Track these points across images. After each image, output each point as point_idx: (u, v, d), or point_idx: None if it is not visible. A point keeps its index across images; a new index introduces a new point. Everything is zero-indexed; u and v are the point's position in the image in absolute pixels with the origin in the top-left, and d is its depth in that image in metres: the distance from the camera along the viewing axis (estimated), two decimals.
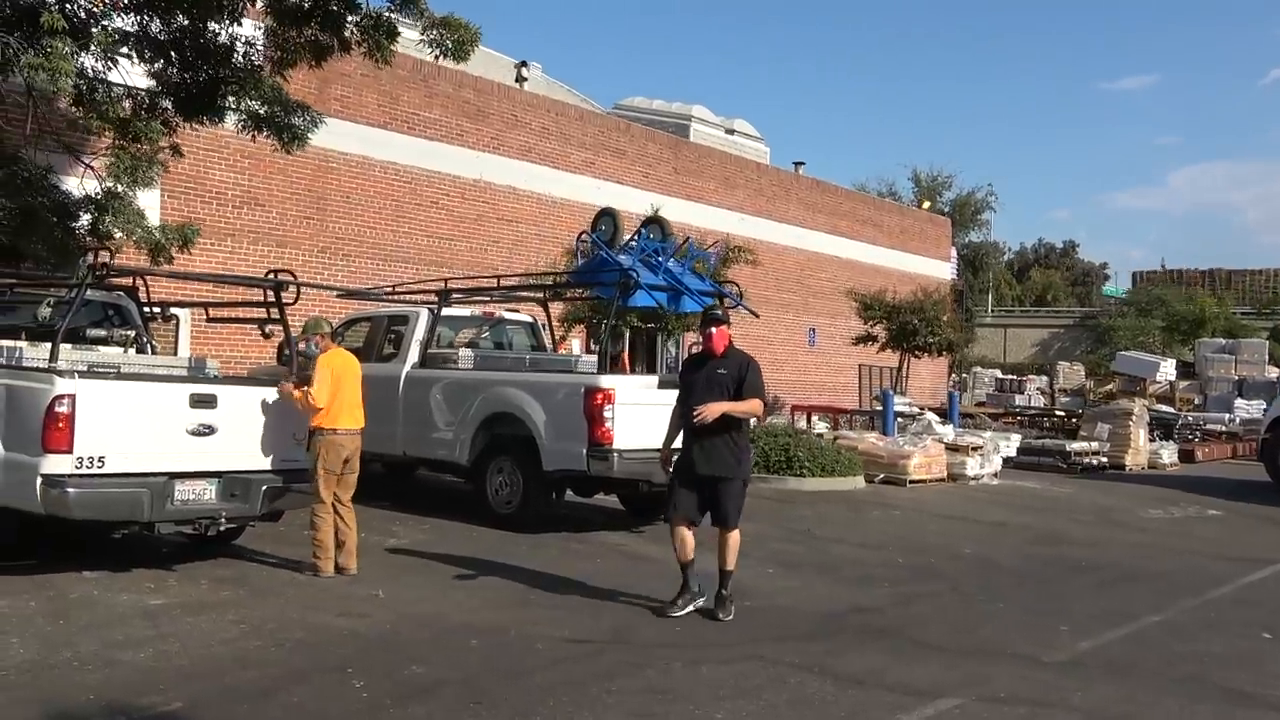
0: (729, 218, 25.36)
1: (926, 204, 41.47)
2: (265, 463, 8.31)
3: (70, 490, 7.23)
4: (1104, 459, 19.89)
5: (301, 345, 8.78)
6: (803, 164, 29.38)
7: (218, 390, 8.13)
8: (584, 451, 10.04)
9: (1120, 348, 44.34)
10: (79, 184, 10.58)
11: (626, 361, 16.88)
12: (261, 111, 9.86)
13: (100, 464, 7.42)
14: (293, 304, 8.73)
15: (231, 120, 10.16)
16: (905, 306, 23.43)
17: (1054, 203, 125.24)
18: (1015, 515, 13.40)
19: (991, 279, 61.65)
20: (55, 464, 7.26)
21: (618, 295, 10.74)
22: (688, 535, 7.21)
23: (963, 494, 15.47)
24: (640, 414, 9.97)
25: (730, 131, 28.81)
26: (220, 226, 16.13)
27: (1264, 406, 25.60)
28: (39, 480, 7.22)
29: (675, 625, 7.05)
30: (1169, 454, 21.71)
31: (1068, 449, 19.42)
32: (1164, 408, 27.48)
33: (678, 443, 7.46)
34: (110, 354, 9.29)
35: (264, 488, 8.19)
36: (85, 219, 10.28)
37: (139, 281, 9.76)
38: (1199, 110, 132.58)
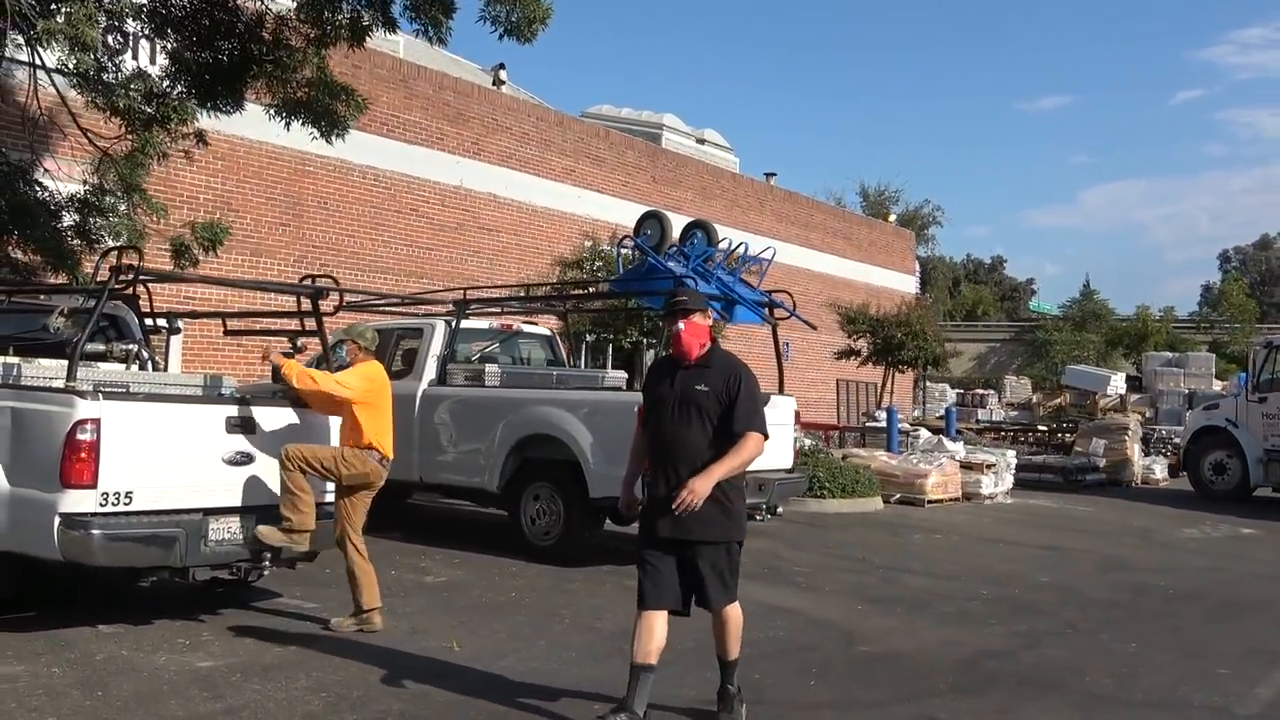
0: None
1: (892, 217, 41.20)
2: None
3: (95, 533, 6.11)
4: (1103, 475, 19.49)
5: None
6: (774, 175, 28.75)
7: (256, 412, 7.05)
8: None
9: (1057, 361, 44.52)
10: (74, 178, 9.36)
11: None
12: (299, 96, 8.78)
13: (128, 500, 6.31)
14: (333, 314, 7.67)
15: (254, 106, 9.04)
16: (890, 320, 22.88)
17: (975, 219, 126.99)
18: (1060, 538, 12.74)
19: (935, 294, 61.81)
20: (76, 501, 6.13)
21: None
22: (655, 627, 4.93)
23: (987, 514, 14.81)
24: None
25: (701, 141, 28.07)
26: None
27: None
28: (56, 521, 6.11)
29: (809, 680, 6.16)
30: (1160, 469, 21.39)
31: (1072, 465, 18.96)
32: None
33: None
34: (111, 371, 8.14)
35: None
36: (69, 219, 9.08)
37: (139, 288, 8.61)
38: (1111, 130, 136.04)
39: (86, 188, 9.37)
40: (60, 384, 6.45)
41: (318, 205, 16.81)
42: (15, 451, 6.35)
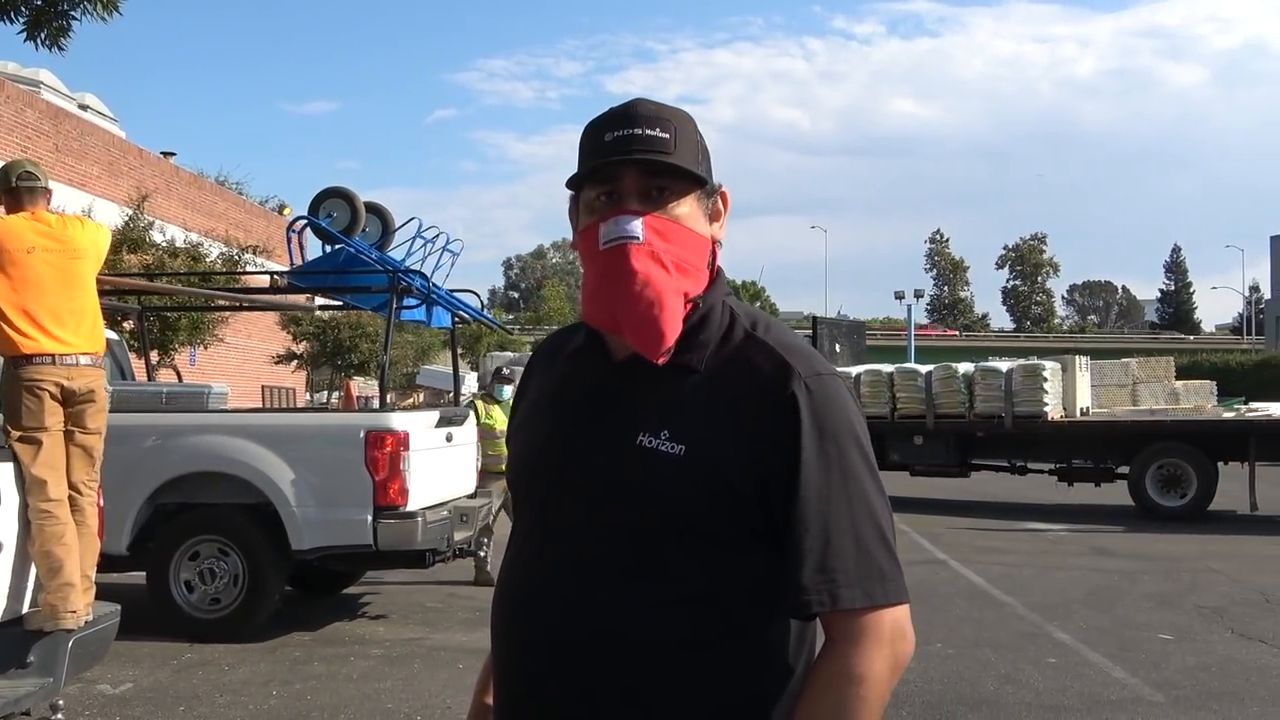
0: (113, 212, 20.82)
1: (288, 210, 38.37)
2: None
3: None
4: None
5: None
6: (174, 154, 25.37)
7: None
8: (368, 519, 7.23)
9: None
10: None
11: (351, 390, 12.88)
12: None
13: None
14: None
15: None
16: (342, 321, 21.45)
17: None
18: None
19: None
20: None
21: (393, 307, 7.88)
22: None
23: None
24: (428, 463, 7.55)
25: (84, 107, 23.76)
26: None
27: None
28: None
29: None
30: None
31: None
32: None
33: None
34: None
35: (69, 643, 4.56)
36: None
37: None
38: (374, 140, 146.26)
39: None
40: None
41: None
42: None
